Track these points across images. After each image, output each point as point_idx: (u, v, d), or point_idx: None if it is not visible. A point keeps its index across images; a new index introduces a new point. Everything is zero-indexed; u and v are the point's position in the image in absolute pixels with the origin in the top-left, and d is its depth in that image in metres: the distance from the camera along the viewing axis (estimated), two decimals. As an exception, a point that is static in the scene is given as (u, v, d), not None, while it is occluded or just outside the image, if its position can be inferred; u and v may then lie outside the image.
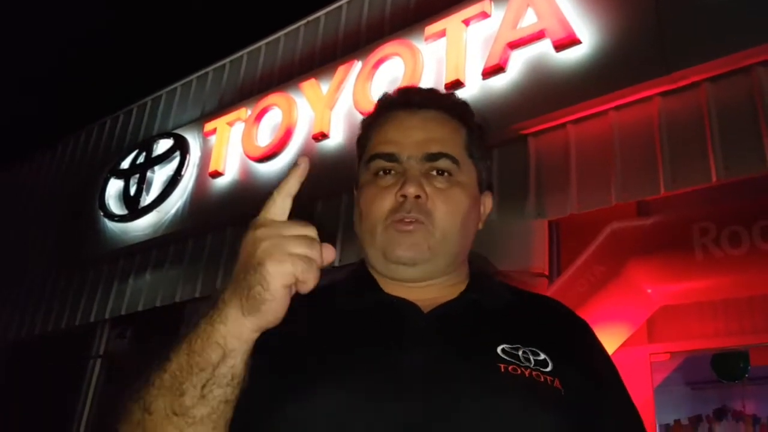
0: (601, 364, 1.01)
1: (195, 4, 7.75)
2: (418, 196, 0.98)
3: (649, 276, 3.06)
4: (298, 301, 1.04)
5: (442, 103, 1.08)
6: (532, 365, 0.88)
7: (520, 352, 0.89)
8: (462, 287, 1.03)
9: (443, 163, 1.01)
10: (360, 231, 1.04)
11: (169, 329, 4.45)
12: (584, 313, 1.09)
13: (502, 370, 0.86)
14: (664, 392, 4.26)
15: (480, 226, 1.09)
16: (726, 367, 4.84)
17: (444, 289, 1.01)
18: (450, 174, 1.01)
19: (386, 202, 0.99)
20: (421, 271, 1.00)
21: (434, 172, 1.01)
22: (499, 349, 0.89)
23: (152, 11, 7.75)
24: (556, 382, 0.87)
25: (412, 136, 1.02)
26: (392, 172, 1.01)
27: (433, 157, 1.01)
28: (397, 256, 0.98)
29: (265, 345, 0.88)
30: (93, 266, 5.13)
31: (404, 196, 0.98)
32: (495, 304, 1.00)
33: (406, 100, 1.07)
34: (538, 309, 1.05)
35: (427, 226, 0.98)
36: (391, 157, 1.02)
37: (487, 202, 1.11)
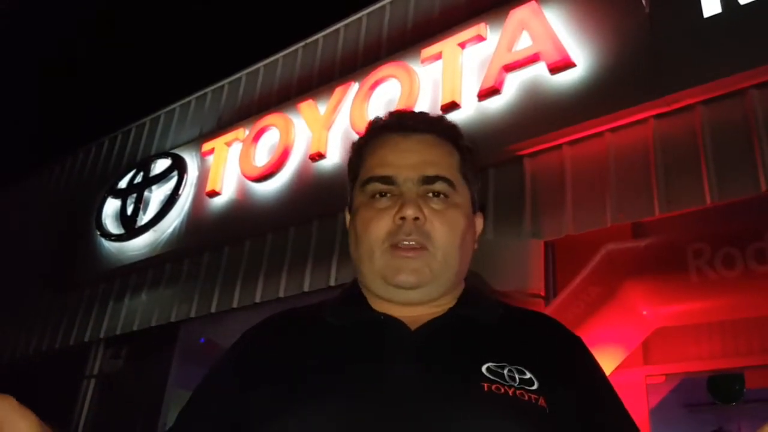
0: (595, 381, 1.00)
1: (195, 26, 7.81)
2: (416, 218, 0.98)
3: (644, 297, 3.06)
4: (288, 321, 1.06)
5: (435, 126, 1.08)
6: (516, 384, 0.88)
7: (505, 371, 0.89)
8: (452, 304, 1.03)
9: (440, 186, 1.01)
10: (356, 254, 1.04)
11: (164, 349, 4.43)
12: (580, 335, 1.08)
13: (486, 389, 0.86)
14: (660, 414, 4.24)
15: (475, 246, 1.09)
16: (722, 390, 4.83)
17: (434, 306, 1.01)
18: (446, 196, 1.02)
19: (383, 224, 0.99)
20: (422, 294, 1.00)
21: (431, 194, 1.01)
22: (484, 368, 0.89)
23: (152, 31, 7.81)
24: (541, 401, 0.87)
25: (408, 159, 1.02)
26: (388, 194, 1.01)
27: (429, 180, 1.01)
28: (399, 281, 0.98)
29: (256, 376, 0.93)
30: (88, 285, 5.11)
31: (403, 219, 0.97)
32: (484, 320, 1.00)
33: (400, 124, 1.08)
34: (530, 325, 1.05)
35: (428, 251, 0.98)
36: (387, 180, 1.01)
37: (479, 223, 1.12)
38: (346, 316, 1.01)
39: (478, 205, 1.11)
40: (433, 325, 0.97)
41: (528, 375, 0.90)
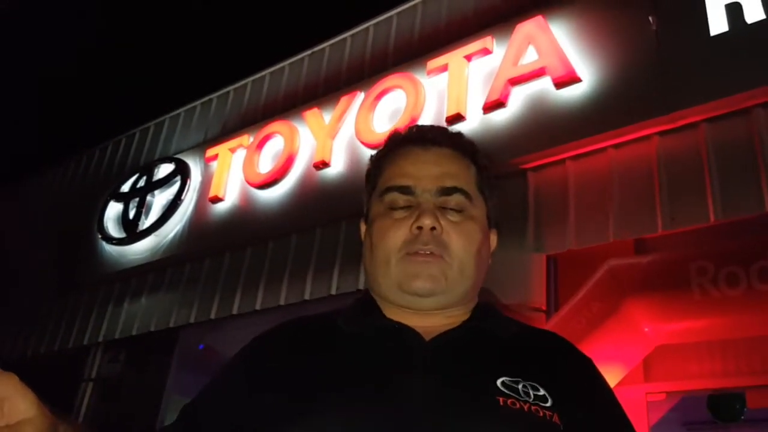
0: (605, 401, 1.00)
1: (201, 31, 7.85)
2: (433, 228, 0.98)
3: (646, 314, 3.05)
4: (300, 327, 1.06)
5: (454, 140, 1.10)
6: (531, 400, 0.88)
7: (520, 386, 0.89)
8: (465, 317, 1.03)
9: (457, 198, 1.03)
10: (371, 263, 1.04)
11: (162, 354, 4.42)
12: (581, 350, 1.08)
13: (501, 403, 0.86)
14: (660, 432, 4.22)
15: (489, 261, 1.10)
16: (722, 409, 4.79)
17: (448, 317, 1.01)
18: (463, 208, 1.03)
19: (401, 233, 1.00)
20: (436, 302, 1.00)
21: (448, 206, 1.02)
22: (498, 382, 0.89)
23: (158, 37, 7.84)
24: (555, 418, 0.87)
25: (426, 170, 1.04)
26: (406, 205, 1.02)
27: (447, 191, 1.02)
28: (415, 287, 0.98)
29: (268, 380, 0.93)
30: (88, 289, 5.10)
31: (420, 228, 0.98)
32: (498, 334, 1.01)
33: (420, 136, 1.09)
34: (542, 343, 1.05)
35: (444, 259, 0.99)
36: (406, 190, 1.03)
37: (494, 239, 1.12)
38: (359, 323, 1.01)
39: (494, 222, 1.11)
40: (447, 336, 0.97)
41: (542, 391, 0.90)
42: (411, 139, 1.09)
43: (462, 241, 1.00)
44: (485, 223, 1.07)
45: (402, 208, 1.02)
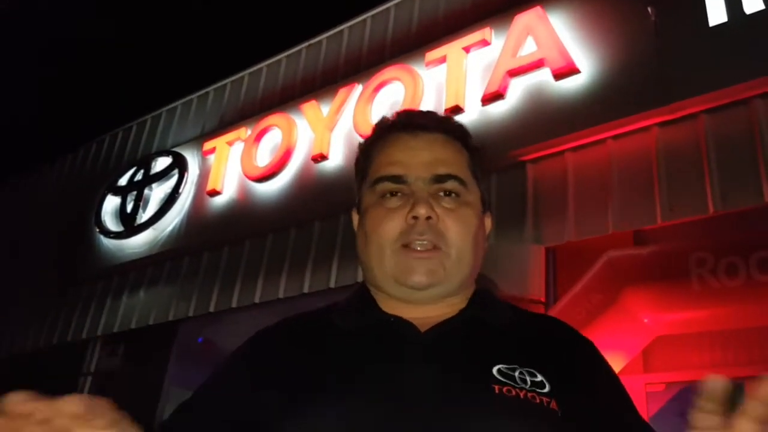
0: (607, 384, 0.98)
1: (198, 24, 7.81)
2: (429, 218, 0.96)
3: (645, 305, 3.06)
4: (300, 324, 1.05)
5: (444, 125, 1.07)
6: (528, 387, 0.87)
7: (516, 373, 0.88)
8: (463, 305, 1.01)
9: (451, 184, 1.00)
10: (365, 255, 1.02)
11: (161, 348, 4.42)
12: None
13: (497, 391, 0.85)
14: (660, 423, 4.23)
15: (485, 246, 1.08)
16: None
17: (445, 307, 1.00)
18: (457, 195, 1.00)
19: (395, 224, 0.98)
20: (434, 294, 0.99)
21: (442, 193, 1.00)
22: (494, 370, 0.88)
23: (155, 29, 7.81)
24: (553, 404, 0.86)
25: (418, 157, 1.01)
26: (399, 194, 1.00)
27: (441, 179, 1.00)
28: (412, 282, 0.96)
29: (267, 377, 0.92)
30: (87, 282, 5.10)
31: (415, 218, 0.96)
32: (494, 322, 0.99)
33: (409, 122, 1.06)
34: (540, 328, 1.04)
35: (441, 250, 0.97)
36: (398, 179, 1.00)
37: (488, 223, 1.10)
38: (355, 319, 0.99)
39: (487, 205, 1.09)
40: (443, 326, 0.96)
41: (539, 378, 0.89)
42: (399, 125, 1.06)
43: (458, 229, 0.98)
44: (480, 208, 1.05)
45: (395, 197, 1.00)
